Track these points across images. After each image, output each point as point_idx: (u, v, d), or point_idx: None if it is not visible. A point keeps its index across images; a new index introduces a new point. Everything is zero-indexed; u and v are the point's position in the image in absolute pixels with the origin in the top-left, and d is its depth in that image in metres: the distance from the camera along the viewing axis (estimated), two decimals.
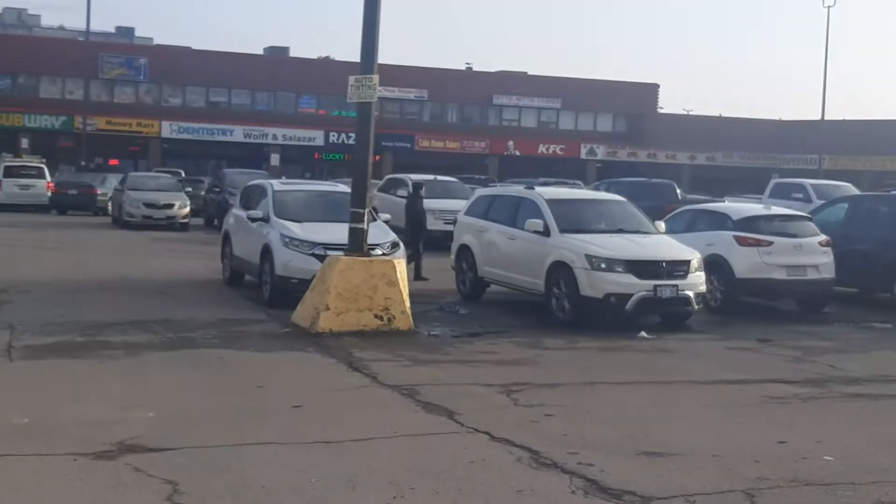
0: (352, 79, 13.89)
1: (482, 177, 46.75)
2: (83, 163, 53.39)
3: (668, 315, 14.97)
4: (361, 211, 13.60)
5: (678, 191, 32.20)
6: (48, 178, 40.88)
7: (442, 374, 10.69)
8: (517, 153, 69.23)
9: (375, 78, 13.63)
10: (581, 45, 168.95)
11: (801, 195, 29.11)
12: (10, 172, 40.28)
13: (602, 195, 20.46)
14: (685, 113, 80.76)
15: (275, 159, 62.86)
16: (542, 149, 70.37)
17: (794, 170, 62.51)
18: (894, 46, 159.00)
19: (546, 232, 15.12)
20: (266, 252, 15.55)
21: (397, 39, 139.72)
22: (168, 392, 9.50)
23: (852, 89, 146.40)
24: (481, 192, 19.63)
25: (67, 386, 9.62)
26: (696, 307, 14.61)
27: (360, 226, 13.57)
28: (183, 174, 47.81)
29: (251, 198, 17.80)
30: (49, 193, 40.03)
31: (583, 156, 70.97)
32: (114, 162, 59.26)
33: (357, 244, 13.58)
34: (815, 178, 37.91)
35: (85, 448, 7.29)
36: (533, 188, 17.29)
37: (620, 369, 11.54)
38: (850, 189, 29.33)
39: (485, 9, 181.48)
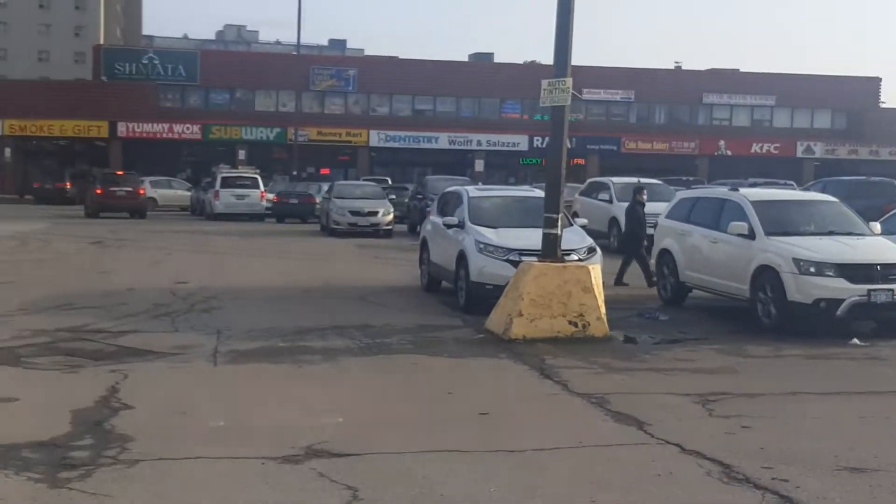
0: (544, 83, 13.67)
1: (689, 178, 45.66)
2: (296, 172, 55.38)
3: (884, 321, 14.10)
4: (555, 216, 13.40)
5: None
6: (262, 187, 42.56)
7: (635, 383, 10.39)
8: (728, 153, 67.44)
9: (569, 81, 13.39)
10: (795, 40, 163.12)
11: None
12: (226, 183, 42.18)
13: (811, 195, 19.55)
14: None
15: (479, 165, 63.43)
16: (755, 148, 68.31)
17: None
18: None
19: (751, 235, 14.59)
20: (461, 258, 15.61)
21: (603, 41, 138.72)
22: (359, 397, 9.61)
23: None
24: (682, 194, 19.06)
25: (265, 390, 9.86)
26: None
27: (553, 231, 13.38)
28: (389, 182, 48.86)
29: (447, 204, 17.93)
30: (263, 203, 41.66)
31: (799, 154, 68.47)
32: (325, 171, 61.33)
33: (550, 250, 13.39)
34: None
35: (274, 452, 7.44)
36: (737, 189, 16.67)
37: (827, 379, 10.93)
38: None
39: (694, 6, 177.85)
